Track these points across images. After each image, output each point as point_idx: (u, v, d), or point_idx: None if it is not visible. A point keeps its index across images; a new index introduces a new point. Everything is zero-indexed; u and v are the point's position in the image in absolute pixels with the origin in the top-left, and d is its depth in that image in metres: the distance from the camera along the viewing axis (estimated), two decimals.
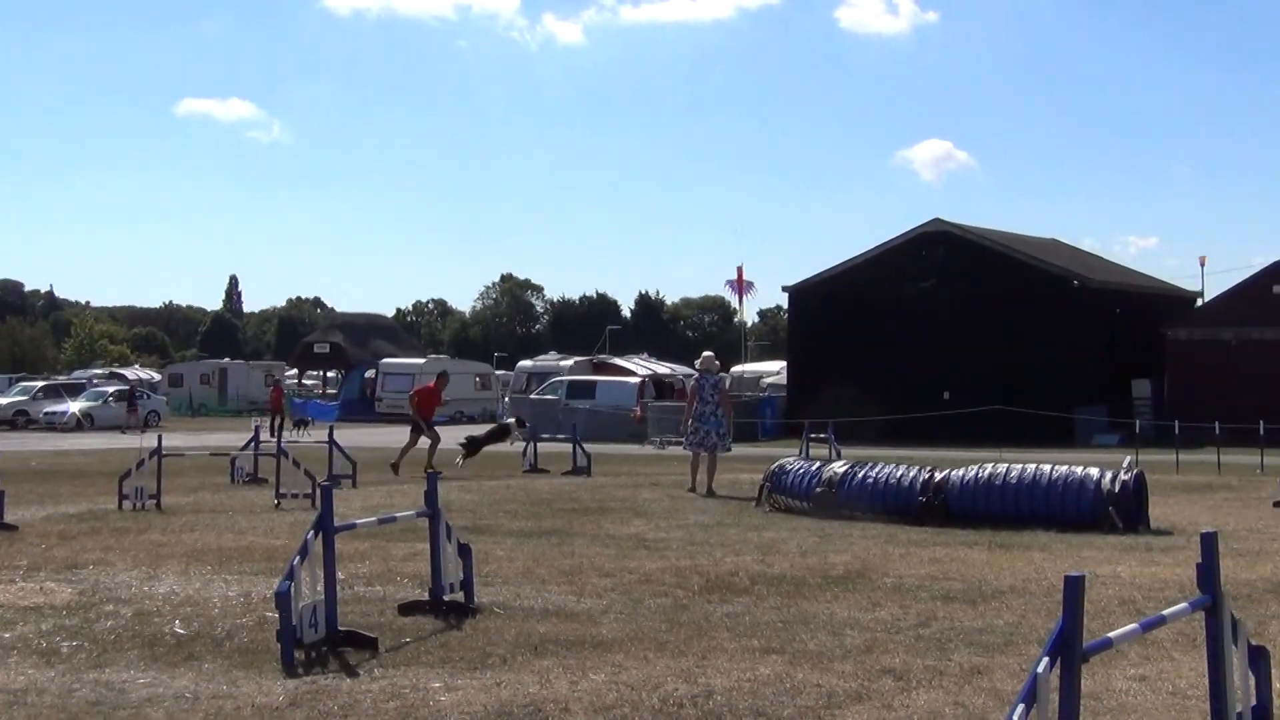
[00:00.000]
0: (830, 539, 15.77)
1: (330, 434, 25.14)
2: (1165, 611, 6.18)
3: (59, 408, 59.57)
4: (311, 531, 9.33)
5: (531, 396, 53.79)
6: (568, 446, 29.09)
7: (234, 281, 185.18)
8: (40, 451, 39.02)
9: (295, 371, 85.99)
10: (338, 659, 9.01)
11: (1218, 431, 30.83)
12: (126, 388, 65.82)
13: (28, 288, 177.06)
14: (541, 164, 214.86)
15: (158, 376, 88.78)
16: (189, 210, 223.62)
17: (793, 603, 11.22)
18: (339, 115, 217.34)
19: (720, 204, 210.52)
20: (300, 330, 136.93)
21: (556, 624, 10.25)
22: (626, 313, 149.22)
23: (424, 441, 28.87)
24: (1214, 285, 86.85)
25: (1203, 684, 6.74)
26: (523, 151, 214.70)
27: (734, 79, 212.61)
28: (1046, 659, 5.01)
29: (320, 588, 9.32)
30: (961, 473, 17.74)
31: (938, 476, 17.73)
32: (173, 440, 29.18)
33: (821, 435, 29.63)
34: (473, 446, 29.95)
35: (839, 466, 19.02)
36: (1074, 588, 5.09)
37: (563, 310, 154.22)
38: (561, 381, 54.90)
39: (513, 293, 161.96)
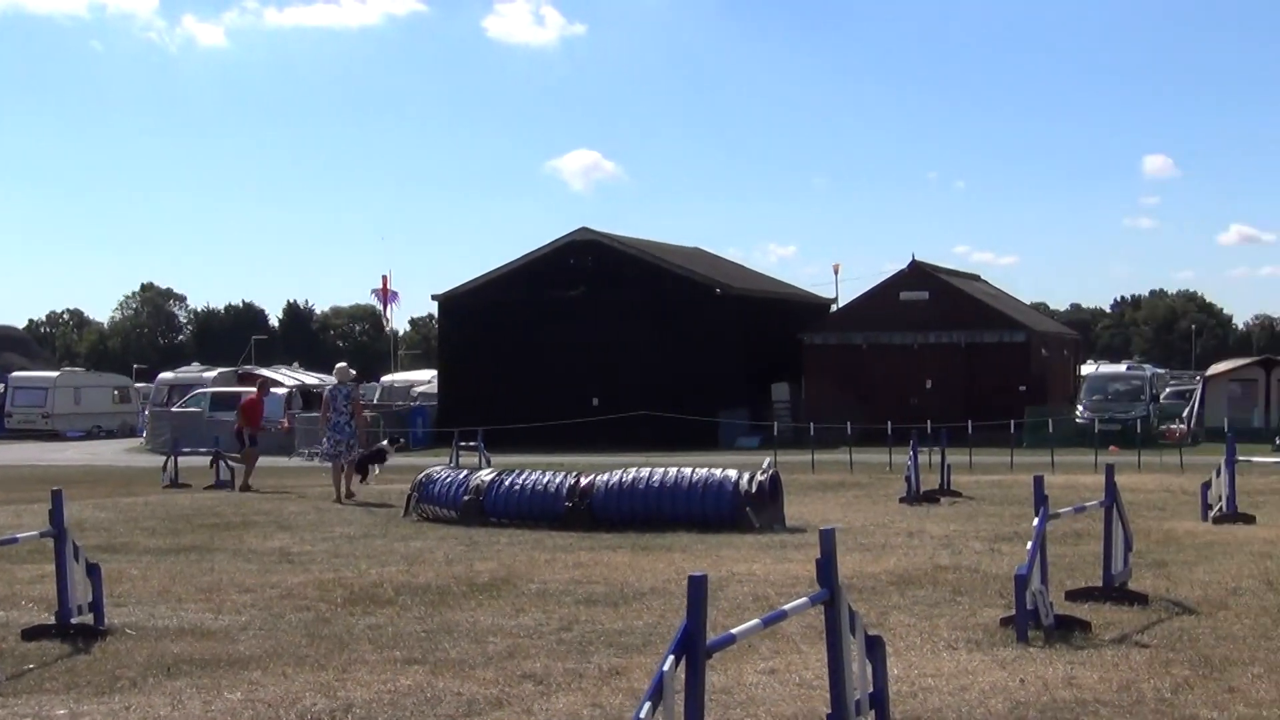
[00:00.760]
0: (477, 547, 15.81)
1: None
2: (785, 606, 6.44)
3: None
4: None
5: (173, 409, 51.94)
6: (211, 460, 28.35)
7: None
8: None
9: None
10: None
11: (849, 432, 32.30)
12: None
13: None
14: (184, 170, 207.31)
15: None
16: None
17: (437, 612, 11.20)
18: None
19: (370, 212, 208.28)
20: None
21: (192, 643, 9.95)
22: (275, 322, 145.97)
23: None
24: (848, 291, 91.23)
25: (827, 674, 7.03)
26: (163, 157, 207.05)
27: (382, 86, 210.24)
28: (671, 657, 5.13)
29: None
30: (606, 477, 18.05)
31: (583, 481, 17.99)
32: None
33: (472, 443, 29.70)
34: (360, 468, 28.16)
35: (486, 474, 19.10)
36: (697, 587, 5.23)
37: (207, 320, 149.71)
38: (204, 394, 53.18)
39: (154, 302, 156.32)
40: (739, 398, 49.51)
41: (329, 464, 24.10)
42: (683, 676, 5.19)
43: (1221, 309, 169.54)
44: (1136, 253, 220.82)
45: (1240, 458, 19.43)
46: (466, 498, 18.45)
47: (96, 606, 10.38)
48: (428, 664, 9.11)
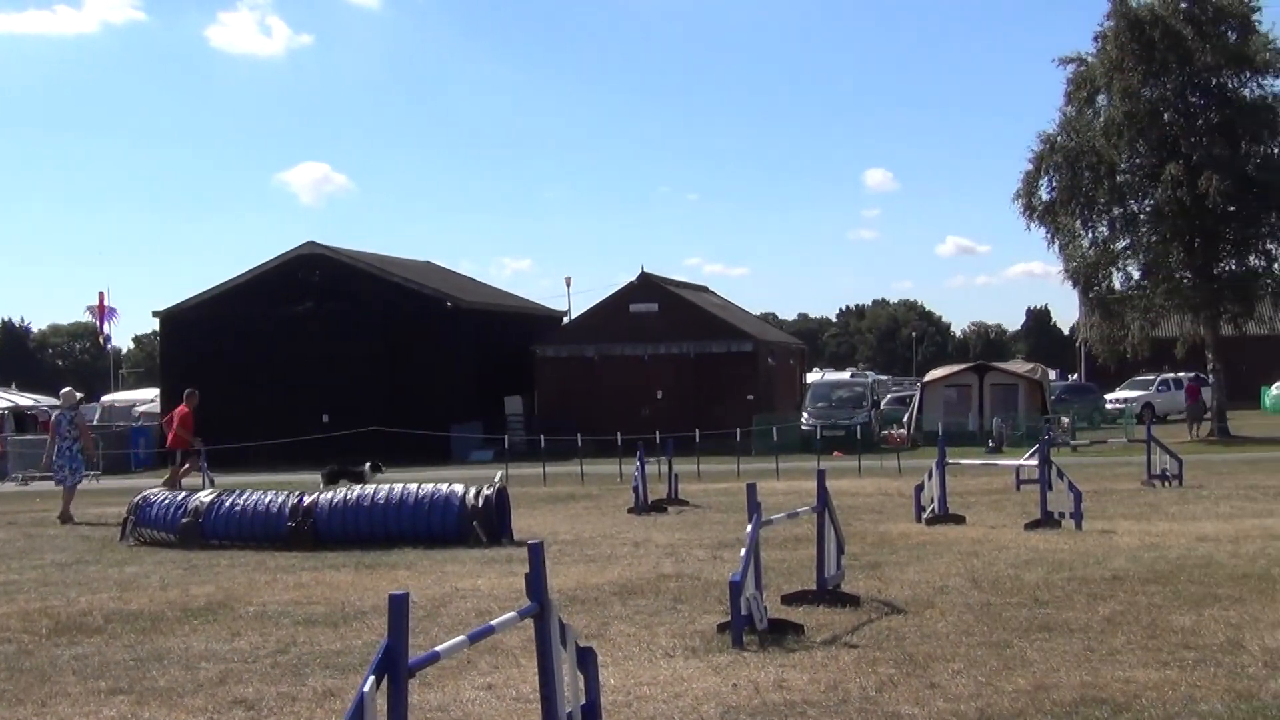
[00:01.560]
0: (196, 570, 15.34)
1: None
2: (493, 622, 6.40)
3: None
4: None
5: None
6: None
7: None
8: None
9: None
10: None
11: (579, 443, 32.48)
12: None
13: None
14: None
15: None
16: None
17: (148, 639, 10.82)
18: None
19: (90, 227, 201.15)
20: None
21: None
22: None
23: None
24: (581, 304, 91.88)
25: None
26: None
27: (100, 96, 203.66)
28: (373, 677, 5.05)
29: None
30: (330, 496, 17.75)
31: (306, 500, 17.64)
32: None
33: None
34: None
35: (205, 496, 18.55)
36: (398, 606, 5.16)
37: None
38: None
39: None
40: (472, 411, 49.36)
41: (64, 486, 23.45)
42: (382, 697, 5.10)
43: (940, 317, 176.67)
44: (860, 263, 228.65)
45: (952, 460, 20.22)
46: (185, 520, 17.90)
47: None
48: (134, 694, 8.78)
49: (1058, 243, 45.45)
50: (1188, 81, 44.18)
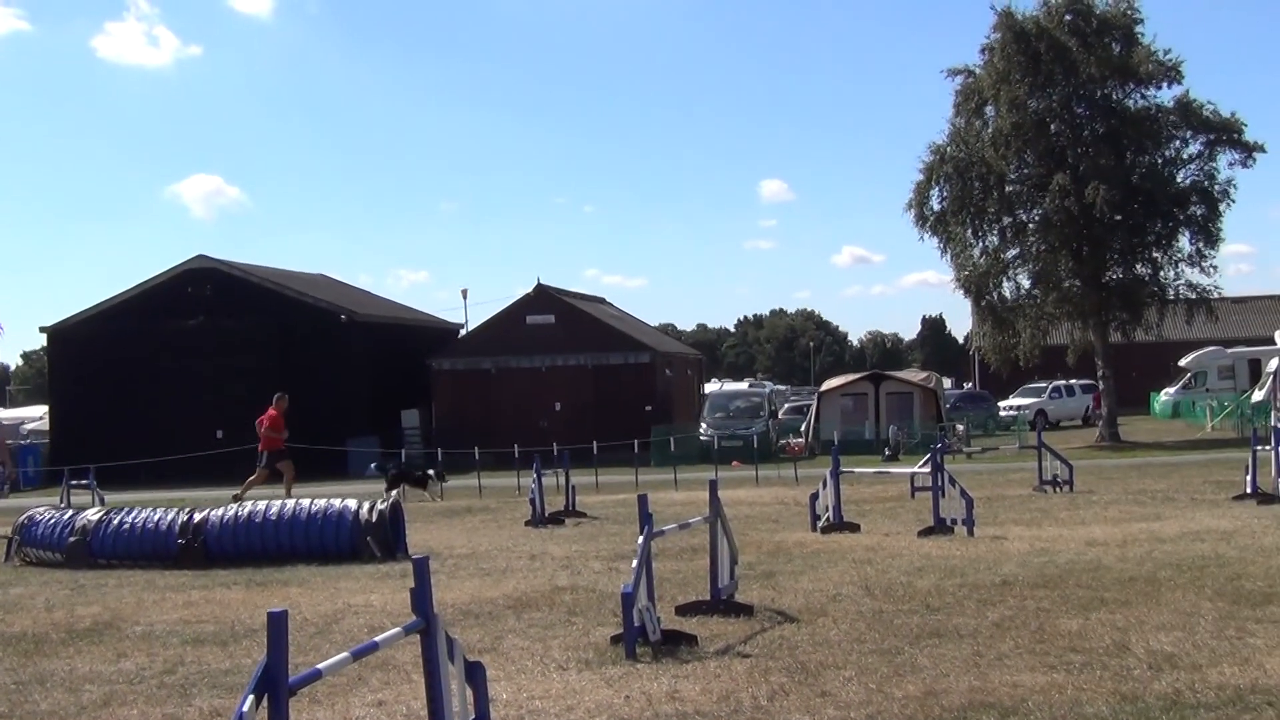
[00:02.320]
0: (83, 590, 15.03)
1: None
2: (377, 638, 6.34)
3: None
4: None
5: None
6: None
7: None
8: None
9: None
10: None
11: (477, 456, 32.34)
12: None
13: None
14: None
15: None
16: None
17: (31, 662, 10.59)
18: None
19: None
20: None
21: None
22: None
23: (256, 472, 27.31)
24: (478, 315, 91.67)
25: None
26: None
27: None
28: (251, 697, 4.97)
29: None
30: (221, 512, 17.49)
31: (196, 517, 17.36)
32: None
33: (84, 482, 28.41)
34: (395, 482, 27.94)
35: (93, 514, 18.18)
36: (276, 624, 5.09)
37: None
38: None
39: None
40: (368, 425, 48.97)
41: None
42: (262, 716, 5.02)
43: (837, 326, 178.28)
44: (757, 273, 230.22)
45: (847, 469, 20.36)
46: (72, 539, 17.53)
47: None
48: (15, 718, 8.62)
49: (949, 252, 46.06)
50: (1073, 93, 44.97)
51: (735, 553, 12.02)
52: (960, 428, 46.86)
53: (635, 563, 9.97)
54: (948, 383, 69.68)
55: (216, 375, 49.53)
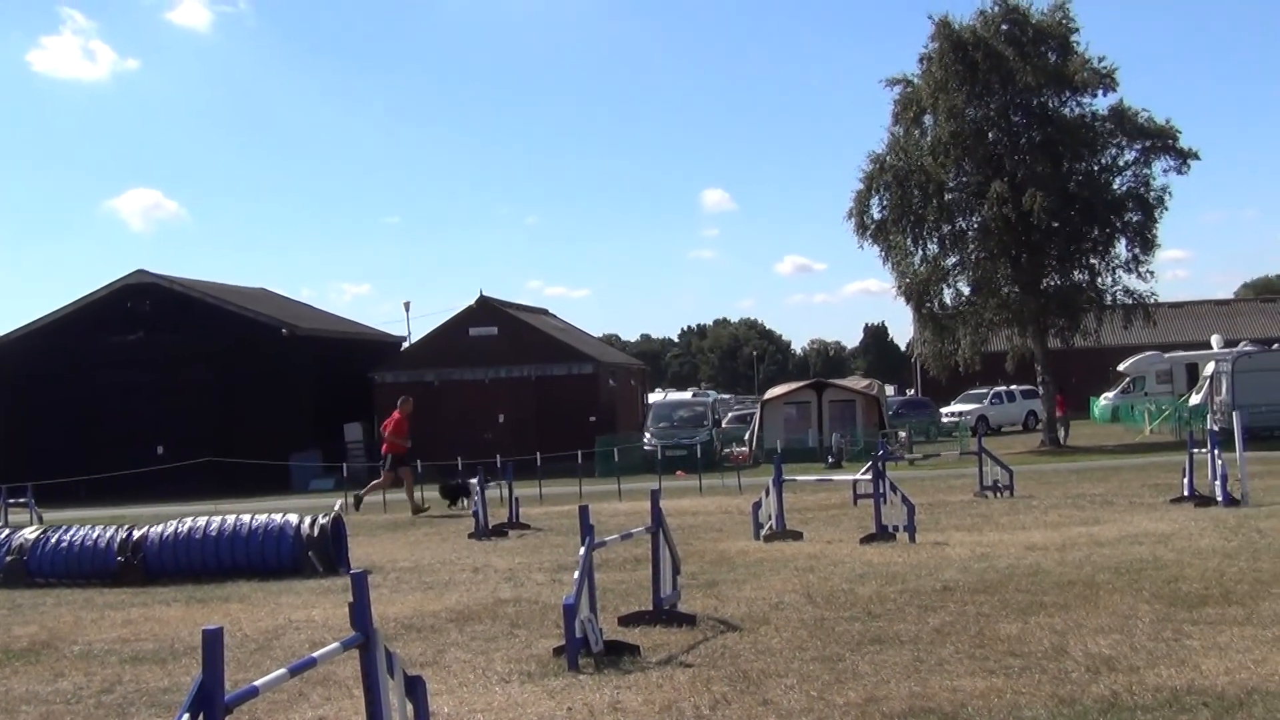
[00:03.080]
0: (19, 610, 14.86)
1: None
2: (315, 654, 6.30)
3: None
4: None
5: None
6: None
7: None
8: None
9: None
10: None
11: (420, 469, 32.17)
12: None
13: None
14: None
15: None
16: None
17: None
18: None
19: None
20: None
21: None
22: None
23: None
24: (421, 328, 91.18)
25: None
26: None
27: None
28: (186, 715, 4.93)
29: None
30: (161, 529, 17.33)
31: (136, 535, 17.21)
32: None
33: (22, 500, 28.14)
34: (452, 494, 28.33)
35: (30, 533, 17.98)
36: (212, 641, 5.05)
37: None
38: None
39: None
40: (311, 439, 48.73)
41: None
42: None
43: (780, 335, 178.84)
44: (700, 283, 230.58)
45: (790, 477, 20.41)
46: (9, 558, 17.33)
47: None
48: None
49: (890, 260, 46.30)
50: (1010, 101, 45.34)
51: (678, 562, 12.04)
52: (902, 435, 47.16)
53: (577, 574, 9.96)
54: (890, 390, 70.10)
55: (157, 391, 49.18)
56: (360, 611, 6.29)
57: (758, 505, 19.12)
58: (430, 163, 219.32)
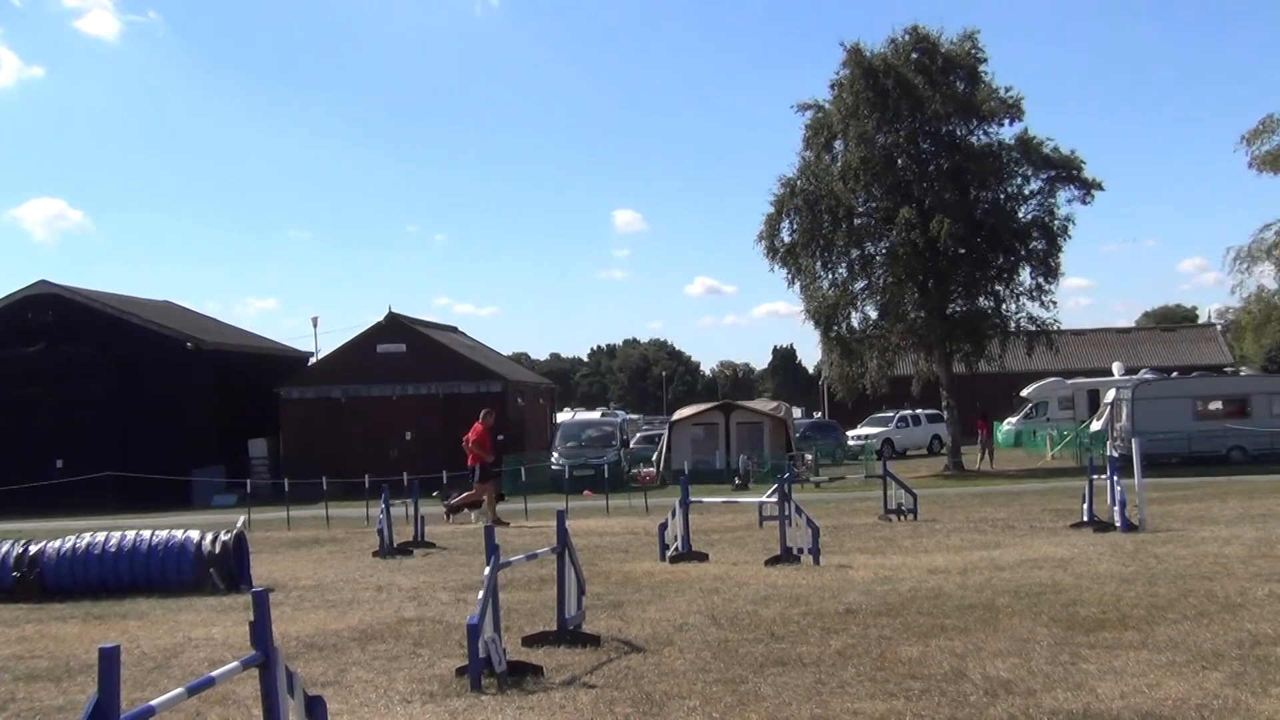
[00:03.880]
0: None
1: None
2: (214, 673, 6.24)
3: None
4: None
5: None
6: None
7: None
8: None
9: None
10: None
11: (325, 486, 31.96)
12: None
13: None
14: None
15: None
16: None
17: None
18: None
19: None
20: None
21: None
22: None
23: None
24: (327, 344, 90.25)
25: None
26: None
27: None
28: None
29: None
30: (59, 544, 17.05)
31: (33, 550, 16.92)
32: None
33: None
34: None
35: None
36: (108, 659, 4.99)
37: None
38: None
39: None
40: (214, 454, 48.20)
41: None
42: None
43: (690, 356, 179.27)
44: (610, 303, 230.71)
45: (697, 498, 20.47)
46: None
47: None
48: None
49: (799, 283, 46.65)
50: (919, 129, 45.92)
51: (583, 583, 12.03)
52: (809, 457, 47.46)
53: (481, 594, 9.92)
54: (797, 412, 70.45)
55: (57, 403, 48.45)
56: (260, 630, 6.24)
57: (664, 526, 19.14)
58: (340, 177, 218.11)
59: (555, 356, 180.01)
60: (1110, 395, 47.32)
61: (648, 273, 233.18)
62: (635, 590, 15.19)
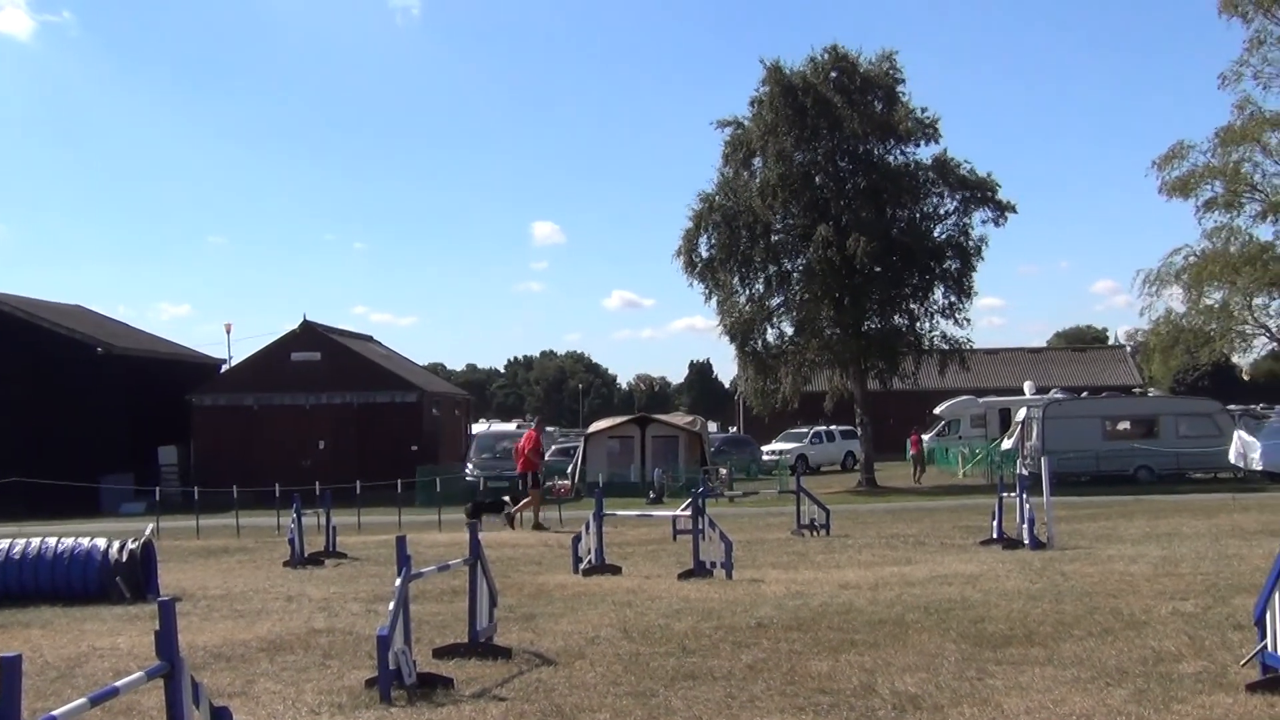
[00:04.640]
0: None
1: None
2: (118, 683, 6.16)
3: None
4: None
5: None
6: None
7: None
8: None
9: None
10: None
11: (236, 495, 31.64)
12: None
13: None
14: None
15: None
16: None
17: None
18: None
19: None
20: None
21: None
22: None
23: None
24: (242, 351, 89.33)
25: None
26: None
27: None
28: None
29: None
30: None
31: None
32: None
33: None
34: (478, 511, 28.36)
35: None
36: (9, 669, 4.92)
37: None
38: None
39: None
40: (123, 461, 47.53)
41: None
42: None
43: (607, 369, 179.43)
44: (528, 315, 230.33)
45: (611, 511, 20.47)
46: None
47: None
48: None
49: (716, 298, 46.80)
50: (837, 147, 46.27)
51: (495, 595, 11.99)
52: (723, 471, 47.60)
53: (392, 605, 9.86)
54: (713, 427, 70.67)
55: None
56: (166, 639, 6.17)
57: (578, 539, 19.12)
58: (258, 184, 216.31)
59: (472, 367, 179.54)
60: (1021, 414, 47.86)
61: (566, 285, 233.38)
62: (548, 603, 15.16)
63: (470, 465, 47.18)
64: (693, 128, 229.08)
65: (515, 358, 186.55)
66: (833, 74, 45.70)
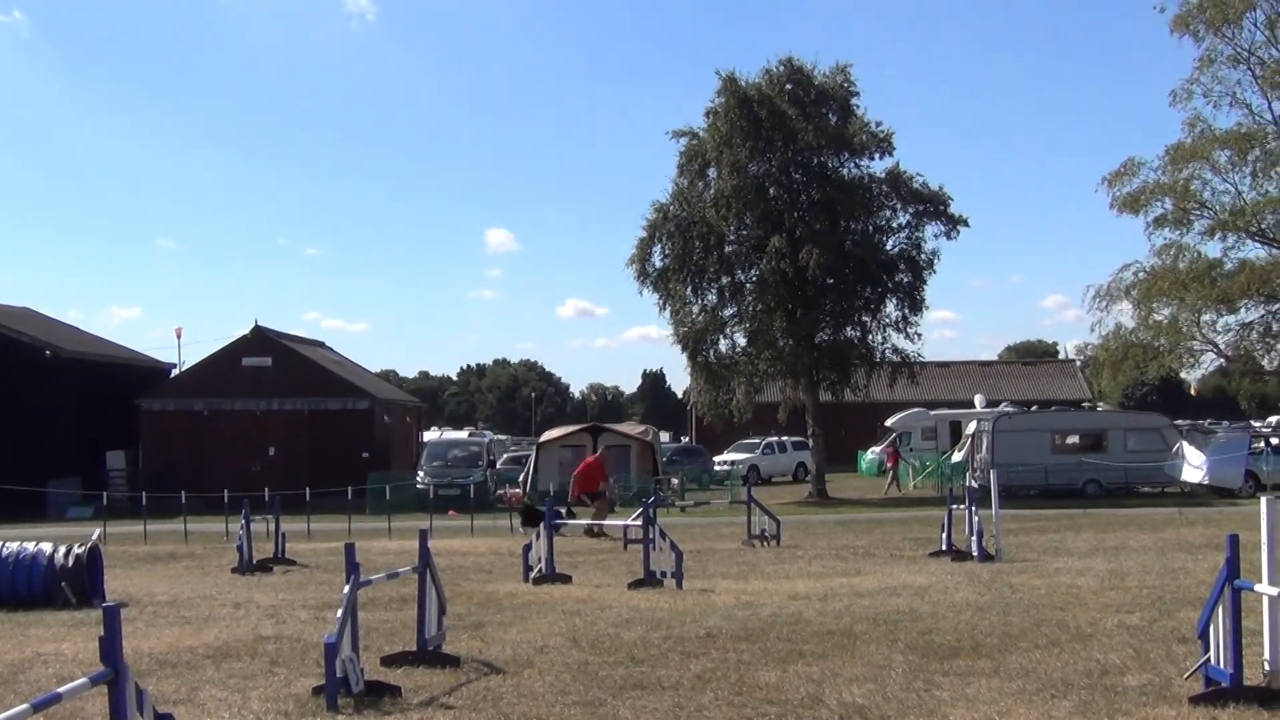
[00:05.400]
0: None
1: None
2: (61, 689, 6.12)
3: None
4: None
5: None
6: None
7: None
8: None
9: None
10: None
11: (184, 501, 31.43)
12: None
13: None
14: None
15: None
16: None
17: None
18: None
19: None
20: None
21: None
22: None
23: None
24: (193, 356, 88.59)
25: None
26: None
27: None
28: None
29: None
30: None
31: None
32: None
33: None
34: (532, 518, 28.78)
35: None
36: None
37: None
38: None
39: None
40: (70, 466, 47.12)
41: None
42: None
43: (559, 378, 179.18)
44: (481, 322, 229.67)
45: (561, 520, 20.48)
46: None
47: None
48: None
49: (669, 308, 46.86)
50: (792, 159, 46.45)
51: (444, 603, 11.97)
52: (675, 481, 47.63)
53: (340, 612, 9.83)
54: (665, 437, 70.70)
55: None
56: (111, 645, 6.14)
57: (528, 548, 19.12)
58: (210, 188, 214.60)
59: (424, 375, 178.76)
60: (972, 427, 48.13)
61: (519, 293, 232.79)
62: (497, 611, 15.15)
63: (421, 473, 47.00)
64: (648, 137, 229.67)
65: (468, 365, 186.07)
66: (788, 86, 45.87)
